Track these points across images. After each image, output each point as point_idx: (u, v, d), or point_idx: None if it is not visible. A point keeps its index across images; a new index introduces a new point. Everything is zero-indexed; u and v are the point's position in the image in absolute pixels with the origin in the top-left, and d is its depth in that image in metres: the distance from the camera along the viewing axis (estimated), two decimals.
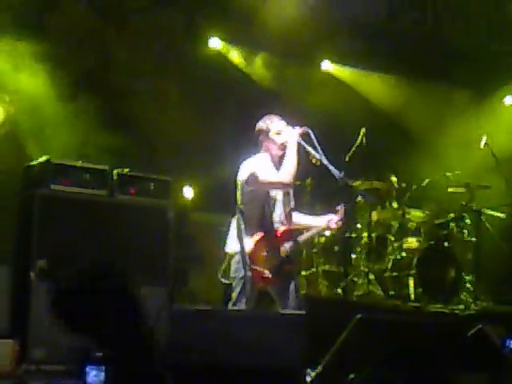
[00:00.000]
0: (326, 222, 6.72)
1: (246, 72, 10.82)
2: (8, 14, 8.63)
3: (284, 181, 6.43)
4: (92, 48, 9.33)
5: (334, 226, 6.68)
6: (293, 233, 6.64)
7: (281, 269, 6.50)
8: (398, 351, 6.49)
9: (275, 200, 6.56)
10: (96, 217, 7.98)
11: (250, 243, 6.41)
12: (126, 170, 8.36)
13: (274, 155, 6.56)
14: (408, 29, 11.25)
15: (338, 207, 6.66)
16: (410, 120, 11.14)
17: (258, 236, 6.46)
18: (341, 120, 10.32)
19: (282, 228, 6.56)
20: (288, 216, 6.73)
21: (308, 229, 6.82)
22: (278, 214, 6.58)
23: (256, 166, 6.46)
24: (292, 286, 6.55)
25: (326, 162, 6.46)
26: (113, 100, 9.37)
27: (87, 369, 3.29)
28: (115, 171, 8.29)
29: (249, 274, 6.37)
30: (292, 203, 6.80)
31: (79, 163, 8.18)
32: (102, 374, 3.24)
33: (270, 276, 6.43)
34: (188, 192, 10.11)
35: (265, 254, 6.43)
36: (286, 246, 6.52)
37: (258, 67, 10.86)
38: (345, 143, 9.15)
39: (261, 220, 6.49)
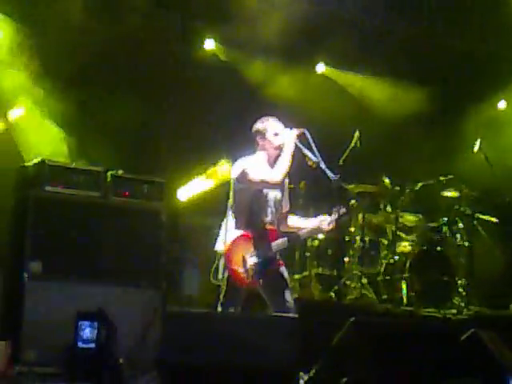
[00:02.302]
0: (318, 223, 6.70)
1: (240, 74, 10.81)
2: None
3: (274, 179, 6.43)
4: (87, 47, 9.31)
5: (325, 227, 6.67)
6: (280, 234, 6.61)
7: (266, 269, 6.47)
8: (391, 355, 6.51)
9: (267, 199, 6.55)
10: (90, 218, 7.98)
11: (228, 242, 6.39)
12: (120, 172, 8.35)
13: (270, 156, 6.57)
14: (403, 32, 11.25)
15: (335, 209, 6.65)
16: (404, 123, 11.14)
17: (237, 235, 6.44)
18: (335, 123, 10.32)
19: (268, 228, 6.54)
20: (282, 218, 6.73)
21: (301, 230, 6.80)
22: (269, 213, 6.57)
23: (248, 164, 6.47)
24: (282, 287, 6.52)
25: (322, 164, 6.47)
26: (106, 100, 9.36)
27: (80, 324, 3.32)
28: (109, 173, 8.28)
29: (227, 274, 6.37)
30: (287, 206, 6.80)
31: (73, 164, 8.18)
32: (95, 330, 3.28)
33: (247, 276, 6.39)
34: (182, 194, 10.11)
35: (243, 254, 6.40)
36: (273, 246, 6.50)
37: (254, 69, 10.86)
38: (339, 146, 9.15)
39: (249, 218, 6.48)
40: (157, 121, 10.02)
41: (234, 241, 6.42)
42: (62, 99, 9.11)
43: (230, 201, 6.54)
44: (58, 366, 6.39)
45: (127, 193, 8.31)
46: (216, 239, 6.56)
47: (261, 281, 6.48)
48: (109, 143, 9.25)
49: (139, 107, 9.64)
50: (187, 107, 10.17)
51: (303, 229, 6.74)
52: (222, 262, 6.43)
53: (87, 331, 2.99)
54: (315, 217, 6.85)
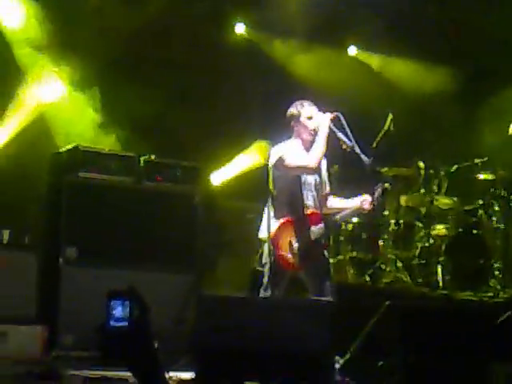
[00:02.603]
0: (359, 203, 6.67)
1: (272, 58, 10.78)
2: None
3: (310, 164, 6.43)
4: (118, 39, 9.31)
5: (367, 206, 6.64)
6: (323, 217, 6.60)
7: (309, 254, 6.47)
8: (427, 338, 6.47)
9: (306, 184, 6.55)
10: (124, 203, 8.02)
11: (274, 228, 6.41)
12: (153, 157, 8.36)
13: (305, 140, 6.56)
14: (435, 13, 11.14)
15: (376, 187, 6.63)
16: (438, 105, 11.04)
17: (282, 221, 6.45)
18: (368, 106, 10.25)
19: (311, 211, 6.53)
20: (323, 200, 6.72)
21: (342, 211, 6.77)
22: (310, 197, 6.56)
23: (284, 151, 6.47)
24: (324, 271, 6.53)
25: (356, 148, 6.46)
26: (138, 88, 9.36)
27: (112, 303, 3.33)
28: (142, 158, 8.30)
29: (273, 259, 6.37)
30: (327, 188, 6.79)
31: (106, 150, 8.20)
32: (127, 308, 3.29)
33: (294, 261, 6.41)
34: (216, 179, 10.10)
35: (289, 239, 6.42)
36: (315, 230, 6.49)
37: (285, 53, 10.82)
38: (372, 129, 9.09)
39: (290, 204, 6.49)
40: (189, 106, 10.01)
41: (279, 226, 6.44)
42: (95, 86, 9.15)
43: (271, 188, 6.53)
44: (93, 349, 6.42)
45: (160, 177, 8.32)
46: (258, 226, 6.58)
47: (304, 265, 6.49)
48: (142, 130, 9.27)
49: (172, 93, 9.64)
50: (219, 91, 10.15)
51: (344, 209, 6.72)
52: (266, 249, 6.46)
53: (119, 309, 3.01)
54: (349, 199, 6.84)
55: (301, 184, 6.53)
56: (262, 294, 6.47)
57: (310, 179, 6.58)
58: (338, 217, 6.72)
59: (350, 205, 6.76)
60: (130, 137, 9.09)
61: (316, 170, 6.57)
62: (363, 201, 6.65)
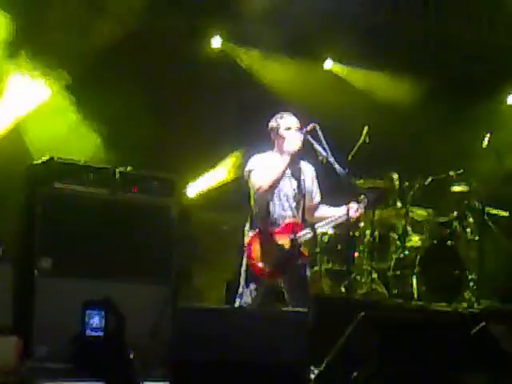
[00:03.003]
0: (346, 211, 6.70)
1: (249, 70, 10.81)
2: None
3: (263, 187, 6.48)
4: (91, 47, 9.30)
5: (354, 214, 6.67)
6: (299, 226, 6.63)
7: (285, 263, 6.50)
8: (400, 349, 6.50)
9: (282, 195, 6.57)
10: (99, 215, 7.99)
11: (247, 240, 6.51)
12: (129, 169, 8.35)
13: (286, 152, 6.57)
14: (410, 26, 11.22)
15: (363, 196, 6.67)
16: (413, 118, 11.11)
17: (254, 233, 6.52)
18: (344, 118, 10.30)
19: (289, 221, 6.56)
20: (310, 210, 6.76)
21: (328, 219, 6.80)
22: (287, 208, 6.58)
23: (254, 165, 6.58)
24: (301, 283, 6.55)
25: (332, 159, 6.50)
26: (114, 99, 9.35)
27: (88, 313, 3.34)
28: (118, 170, 8.29)
29: (247, 268, 6.48)
30: (316, 197, 6.83)
31: (82, 162, 8.18)
32: (103, 318, 3.30)
33: (268, 270, 6.44)
34: (192, 190, 10.11)
35: (263, 248, 6.44)
36: (292, 239, 6.52)
37: (261, 66, 10.86)
38: (348, 141, 9.13)
39: (262, 217, 6.53)
40: (166, 118, 10.01)
41: (252, 237, 6.51)
42: (70, 96, 9.14)
43: (249, 200, 6.58)
44: (67, 361, 6.40)
45: (136, 189, 8.31)
46: (234, 237, 6.66)
47: (280, 275, 6.52)
48: (117, 141, 9.26)
49: (148, 105, 9.64)
50: (196, 103, 10.16)
51: (330, 217, 6.75)
52: (244, 258, 6.56)
53: (95, 319, 3.00)
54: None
55: (274, 196, 6.55)
56: (237, 303, 6.49)
57: (287, 190, 6.60)
58: (326, 222, 6.75)
59: (336, 213, 6.80)
60: (105, 148, 9.08)
61: (269, 191, 6.56)
62: (350, 209, 6.68)
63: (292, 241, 6.51)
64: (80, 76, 9.17)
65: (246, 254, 6.53)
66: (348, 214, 6.66)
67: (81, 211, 7.91)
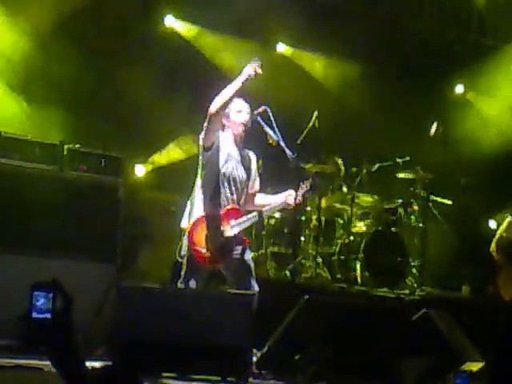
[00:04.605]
0: (284, 198, 6.71)
1: (201, 51, 10.78)
2: None
3: (211, 110, 6.40)
4: (50, 19, 9.20)
5: (292, 201, 6.68)
6: (244, 212, 6.63)
7: (227, 248, 6.49)
8: (343, 333, 6.59)
9: (231, 179, 6.54)
10: (45, 192, 7.89)
11: (190, 224, 6.43)
12: (77, 146, 8.27)
13: (237, 135, 6.57)
14: (362, 12, 11.27)
15: (301, 183, 6.67)
16: (363, 105, 11.18)
17: (197, 217, 6.45)
18: (294, 102, 10.33)
19: (232, 206, 6.55)
20: (249, 197, 6.74)
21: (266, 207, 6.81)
22: (234, 192, 6.56)
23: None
24: (244, 267, 6.55)
25: (282, 142, 6.51)
26: (65, 74, 9.25)
27: (35, 294, 3.31)
28: (66, 146, 8.19)
29: (189, 253, 6.40)
30: (256, 185, 6.81)
31: (29, 137, 8.07)
32: (50, 300, 3.27)
33: (210, 256, 6.42)
34: (139, 170, 10.06)
35: (206, 233, 6.42)
36: (233, 225, 6.50)
37: (213, 46, 10.83)
38: (298, 126, 9.17)
39: (210, 199, 6.48)
40: (116, 96, 9.93)
41: (195, 221, 6.44)
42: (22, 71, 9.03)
43: (198, 179, 6.54)
44: (13, 338, 6.34)
45: (84, 167, 8.23)
46: (181, 217, 6.58)
47: (222, 261, 6.50)
48: (66, 117, 9.17)
49: (99, 82, 9.56)
50: (148, 82, 10.09)
51: (269, 205, 6.76)
52: (185, 240, 6.46)
53: (42, 301, 2.98)
54: (275, 194, 6.89)
55: (223, 179, 6.54)
56: (179, 285, 6.47)
57: (235, 174, 6.58)
58: (265, 209, 6.75)
59: (275, 201, 6.81)
60: (52, 125, 8.99)
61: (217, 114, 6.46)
62: (288, 196, 6.70)
63: (232, 227, 6.50)
64: (32, 47, 9.08)
65: (188, 239, 6.42)
66: (286, 201, 6.69)
67: (26, 187, 7.78)
